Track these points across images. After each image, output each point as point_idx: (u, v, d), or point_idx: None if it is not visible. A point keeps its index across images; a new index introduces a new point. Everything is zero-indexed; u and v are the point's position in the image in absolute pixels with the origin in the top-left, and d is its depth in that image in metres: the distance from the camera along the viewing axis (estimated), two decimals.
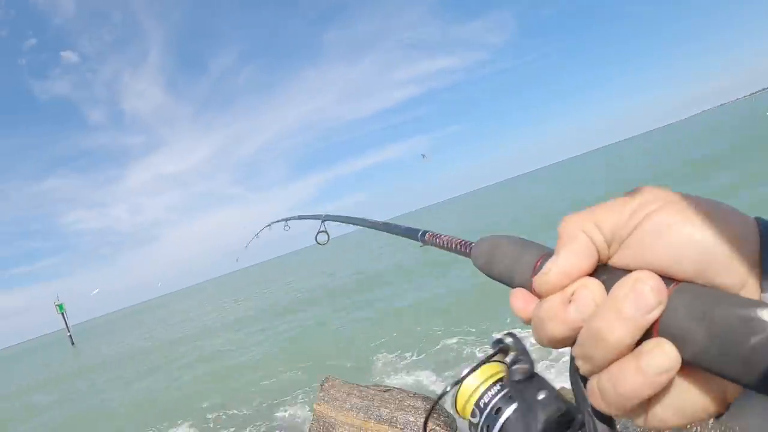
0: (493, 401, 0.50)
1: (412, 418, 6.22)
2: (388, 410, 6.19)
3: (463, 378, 0.53)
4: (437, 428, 6.34)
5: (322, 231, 1.47)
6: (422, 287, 15.95)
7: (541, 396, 0.47)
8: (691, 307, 0.29)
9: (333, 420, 6.33)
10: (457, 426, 6.55)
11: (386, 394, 6.37)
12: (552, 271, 0.35)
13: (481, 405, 0.52)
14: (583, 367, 0.34)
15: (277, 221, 2.04)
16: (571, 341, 0.35)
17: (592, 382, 0.34)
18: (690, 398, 0.31)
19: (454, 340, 9.92)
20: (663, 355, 0.30)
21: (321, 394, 6.55)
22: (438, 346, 9.91)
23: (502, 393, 0.50)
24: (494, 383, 0.52)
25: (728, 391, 0.31)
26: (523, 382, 0.49)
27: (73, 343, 47.05)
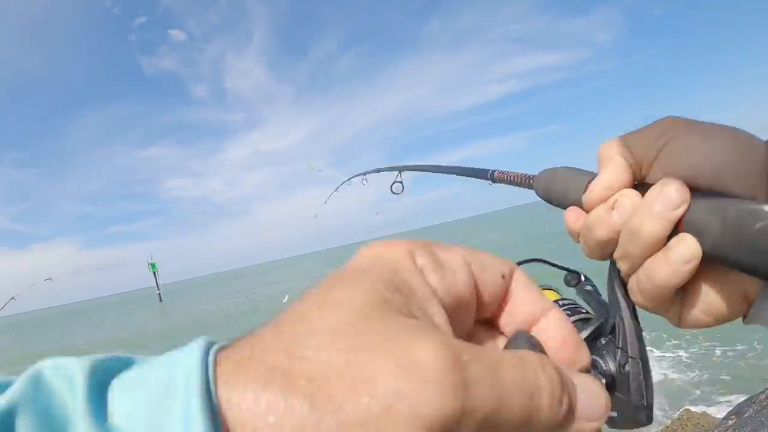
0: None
1: None
2: None
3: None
4: None
5: (398, 181, 1.52)
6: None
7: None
8: (709, 205, 0.36)
9: None
10: None
11: None
12: (596, 186, 0.43)
13: None
14: (623, 266, 0.42)
15: (356, 176, 2.09)
16: (613, 245, 0.42)
17: (632, 281, 0.42)
18: (714, 296, 0.38)
19: None
20: (686, 246, 0.36)
21: None
22: None
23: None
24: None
25: (748, 289, 0.38)
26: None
27: (161, 300, 49.22)
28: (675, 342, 8.25)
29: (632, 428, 0.45)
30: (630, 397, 0.44)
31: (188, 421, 0.18)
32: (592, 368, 0.49)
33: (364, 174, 2.02)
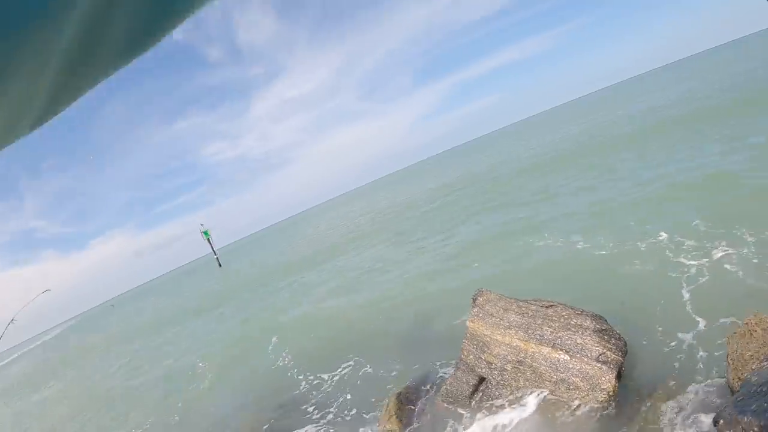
0: None
1: (579, 340, 5.51)
2: (551, 329, 5.55)
3: None
4: (608, 352, 5.55)
5: None
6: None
7: None
8: None
9: (488, 339, 5.86)
10: (627, 350, 5.73)
11: (550, 311, 5.69)
12: None
13: None
14: None
15: None
16: None
17: None
18: None
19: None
20: None
21: (475, 310, 6.08)
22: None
23: None
24: None
25: None
26: None
27: (220, 265, 53.37)
28: (750, 239, 7.39)
29: None
30: None
31: None
32: None
33: None
